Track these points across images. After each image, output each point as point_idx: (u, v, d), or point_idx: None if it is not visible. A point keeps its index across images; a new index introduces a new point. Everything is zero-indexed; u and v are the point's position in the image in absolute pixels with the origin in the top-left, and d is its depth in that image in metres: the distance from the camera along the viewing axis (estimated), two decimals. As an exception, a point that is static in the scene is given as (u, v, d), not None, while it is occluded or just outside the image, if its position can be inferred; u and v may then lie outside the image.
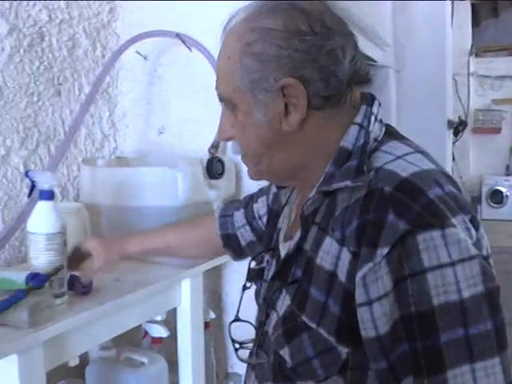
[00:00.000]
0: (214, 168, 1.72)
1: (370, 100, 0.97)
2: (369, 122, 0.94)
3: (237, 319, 1.15)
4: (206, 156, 1.83)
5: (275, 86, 0.90)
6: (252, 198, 1.39)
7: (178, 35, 1.94)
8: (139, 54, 2.11)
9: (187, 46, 1.97)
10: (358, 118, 0.94)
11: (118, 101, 2.23)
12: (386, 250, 0.78)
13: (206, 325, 1.88)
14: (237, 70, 0.93)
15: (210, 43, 1.91)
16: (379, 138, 0.94)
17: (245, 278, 1.17)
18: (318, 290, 0.88)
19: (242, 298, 1.16)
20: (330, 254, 0.87)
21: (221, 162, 1.76)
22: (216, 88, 1.01)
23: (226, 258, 1.84)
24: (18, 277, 1.28)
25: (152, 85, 2.15)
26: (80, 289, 1.38)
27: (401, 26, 4.25)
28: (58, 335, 1.24)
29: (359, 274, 0.81)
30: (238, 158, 1.88)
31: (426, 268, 0.77)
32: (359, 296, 0.82)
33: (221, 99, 1.00)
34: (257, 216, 1.36)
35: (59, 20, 1.92)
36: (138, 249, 1.44)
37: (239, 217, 1.40)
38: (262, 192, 1.37)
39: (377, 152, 0.91)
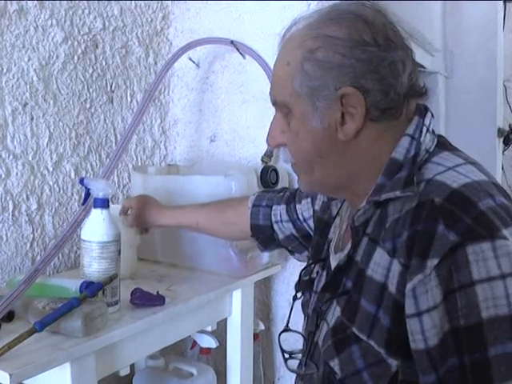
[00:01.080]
0: (268, 177, 1.71)
1: (423, 111, 0.97)
2: (420, 133, 0.93)
3: (286, 329, 1.14)
4: (258, 164, 1.82)
5: (335, 95, 0.90)
6: (294, 198, 1.39)
7: (232, 42, 1.93)
8: (191, 60, 2.12)
9: (241, 53, 1.97)
10: (410, 130, 0.93)
11: (169, 108, 2.23)
12: (435, 262, 0.78)
13: (255, 336, 1.87)
14: (296, 75, 0.93)
15: (265, 50, 1.91)
16: (431, 150, 0.93)
17: (293, 288, 1.18)
18: (368, 302, 0.88)
19: (292, 309, 1.15)
20: (381, 265, 0.87)
21: (275, 171, 1.74)
22: (270, 93, 1.01)
23: (275, 269, 1.83)
24: (72, 285, 1.29)
25: (204, 92, 2.15)
26: (153, 302, 1.39)
27: (450, 31, 4.16)
28: (110, 344, 1.24)
29: (409, 286, 0.81)
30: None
31: (475, 280, 0.76)
32: (409, 307, 0.81)
33: (274, 103, 1.00)
34: (301, 218, 1.35)
35: (113, 27, 1.94)
36: (171, 222, 1.55)
37: (280, 211, 1.40)
38: (305, 194, 1.35)
39: (428, 163, 0.91)
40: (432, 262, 0.78)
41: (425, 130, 0.94)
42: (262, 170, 1.73)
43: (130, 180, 2.02)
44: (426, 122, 0.95)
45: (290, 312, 1.16)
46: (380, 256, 0.88)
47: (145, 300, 1.38)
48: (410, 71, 0.92)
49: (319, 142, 0.94)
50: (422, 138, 0.93)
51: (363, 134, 0.93)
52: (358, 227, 0.94)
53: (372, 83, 0.89)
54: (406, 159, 0.91)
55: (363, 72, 0.89)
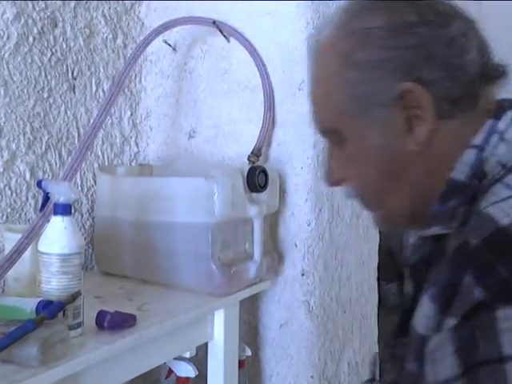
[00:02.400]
0: (256, 179, 1.70)
1: (503, 108, 0.88)
2: (488, 142, 0.84)
3: (372, 379, 1.11)
4: (244, 165, 1.81)
5: (391, 98, 0.84)
6: None
7: (214, 23, 1.93)
8: (167, 43, 2.11)
9: (225, 36, 1.96)
10: (478, 139, 0.85)
11: (141, 98, 2.23)
12: (453, 322, 0.71)
13: (241, 363, 1.86)
14: (337, 89, 0.88)
15: (252, 32, 1.92)
16: (510, 164, 0.83)
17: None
18: (411, 358, 0.83)
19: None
20: (424, 313, 0.80)
21: (264, 172, 1.73)
22: (315, 121, 0.95)
23: (264, 285, 1.83)
24: (27, 304, 1.27)
25: (181, 80, 2.15)
26: (122, 323, 1.38)
27: (471, 13, 4.18)
28: (72, 374, 1.22)
29: (428, 346, 0.75)
30: (283, 168, 1.88)
31: (505, 356, 0.67)
32: (428, 373, 0.75)
33: (324, 133, 0.95)
34: None
35: (74, 3, 1.92)
36: None
37: None
38: None
39: (497, 184, 0.81)
40: (449, 323, 0.72)
41: (496, 138, 0.84)
42: (249, 171, 1.72)
43: (95, 182, 2.01)
44: (501, 126, 0.85)
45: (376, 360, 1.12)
46: (424, 302, 0.80)
47: (118, 323, 1.37)
48: (479, 45, 0.86)
49: (385, 162, 0.88)
50: (490, 150, 0.84)
51: (435, 138, 0.85)
52: (413, 266, 0.90)
53: (431, 71, 0.83)
54: (469, 179, 0.83)
55: (417, 60, 0.83)
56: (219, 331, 1.67)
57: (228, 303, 1.67)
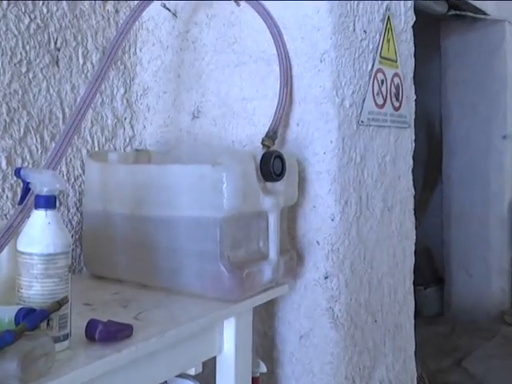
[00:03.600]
0: (271, 166, 1.70)
1: None
2: None
3: None
4: (257, 149, 1.81)
5: None
6: None
7: (221, -17, 1.93)
8: (166, 8, 2.11)
9: (234, -1, 1.97)
10: None
11: (137, 73, 2.24)
12: None
13: (255, 381, 1.86)
14: None
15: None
16: None
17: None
18: None
19: None
20: None
21: (280, 158, 1.73)
22: None
23: (281, 290, 1.82)
24: (4, 313, 1.27)
25: (183, 51, 2.15)
26: (116, 334, 1.38)
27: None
28: (58, 394, 1.22)
29: None
30: (303, 152, 1.88)
31: None
32: None
33: None
34: None
35: (58, -38, 1.93)
36: None
37: None
38: None
39: None
40: None
41: None
42: (263, 157, 1.72)
43: (83, 171, 2.02)
44: None
45: None
46: None
47: (111, 334, 1.37)
48: None
49: None
50: None
51: None
52: None
53: None
54: None
55: None
56: (229, 344, 1.67)
57: (239, 311, 1.67)
